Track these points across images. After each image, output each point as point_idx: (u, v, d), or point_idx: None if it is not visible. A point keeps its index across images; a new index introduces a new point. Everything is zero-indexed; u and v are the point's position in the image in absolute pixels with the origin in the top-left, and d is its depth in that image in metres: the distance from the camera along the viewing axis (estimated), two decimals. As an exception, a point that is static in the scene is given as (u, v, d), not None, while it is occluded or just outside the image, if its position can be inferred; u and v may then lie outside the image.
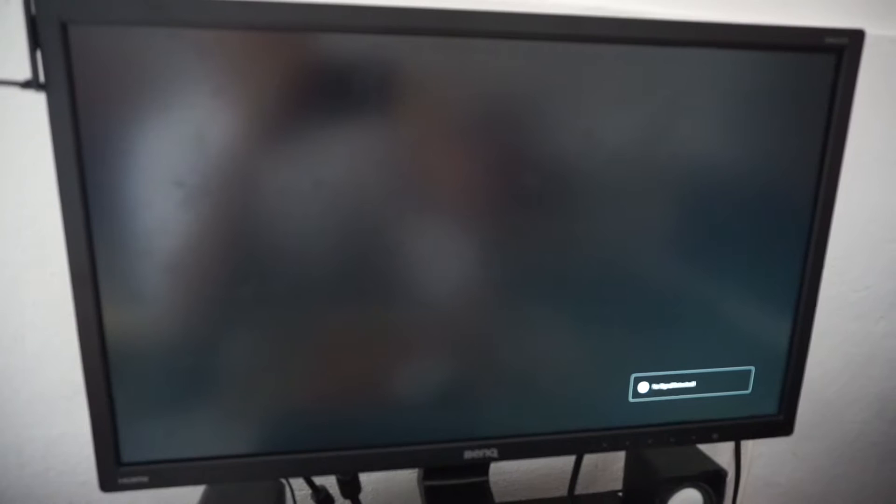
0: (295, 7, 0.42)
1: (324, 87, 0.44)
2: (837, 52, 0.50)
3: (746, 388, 0.58)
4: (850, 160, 0.55)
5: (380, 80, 0.45)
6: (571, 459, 0.74)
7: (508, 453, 0.55)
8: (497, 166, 0.49)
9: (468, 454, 0.54)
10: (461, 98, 0.46)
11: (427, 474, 0.61)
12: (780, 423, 0.59)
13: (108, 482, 0.48)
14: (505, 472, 0.83)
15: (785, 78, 0.50)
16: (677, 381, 0.56)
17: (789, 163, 0.52)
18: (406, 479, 0.79)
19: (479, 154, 0.48)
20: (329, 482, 0.65)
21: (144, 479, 0.49)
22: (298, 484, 0.68)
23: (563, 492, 0.75)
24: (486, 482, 0.62)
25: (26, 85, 0.40)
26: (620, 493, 0.72)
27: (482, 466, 0.62)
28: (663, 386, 0.56)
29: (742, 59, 0.49)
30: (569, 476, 0.73)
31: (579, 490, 0.74)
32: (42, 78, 0.40)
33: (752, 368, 0.57)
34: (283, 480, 0.63)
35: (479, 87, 0.46)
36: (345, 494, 0.63)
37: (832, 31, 0.49)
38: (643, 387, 0.56)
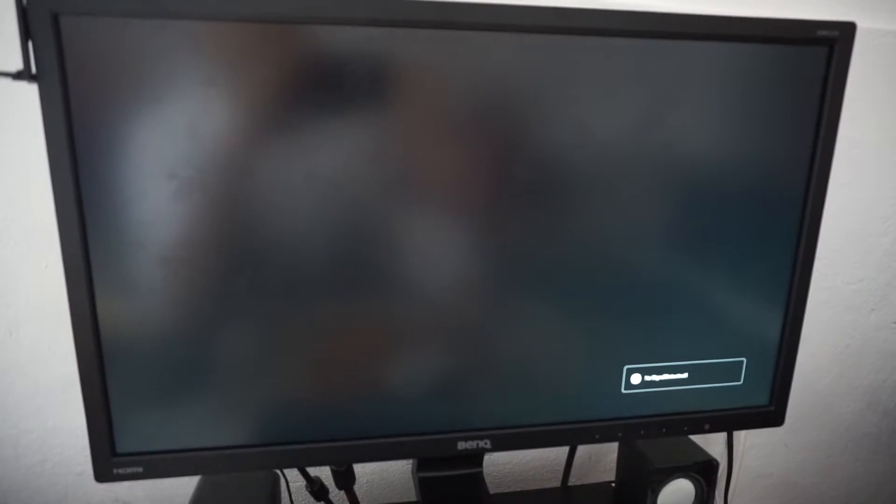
0: (287, -2, 0.42)
1: (317, 79, 0.44)
2: (829, 45, 0.50)
3: (738, 380, 0.58)
4: (842, 153, 0.55)
5: (372, 72, 0.45)
6: (565, 451, 0.74)
7: (502, 444, 0.55)
8: (490, 158, 0.49)
9: (461, 445, 0.54)
10: (454, 90, 0.46)
11: (421, 465, 0.62)
12: (771, 413, 0.59)
13: (103, 473, 0.49)
14: (499, 464, 0.84)
15: (776, 70, 0.50)
16: (669, 372, 0.56)
17: (780, 155, 0.53)
18: (401, 470, 0.80)
19: (472, 146, 0.48)
20: (324, 473, 0.65)
21: (139, 469, 0.49)
22: (293, 475, 0.68)
23: (557, 483, 0.75)
24: (481, 473, 0.63)
25: (18, 76, 0.40)
26: (613, 484, 0.72)
27: (477, 458, 0.63)
28: (656, 377, 0.56)
29: (733, 52, 0.49)
30: (562, 467, 0.74)
31: (573, 481, 0.75)
32: (34, 69, 0.40)
33: (744, 360, 0.58)
34: (278, 471, 0.63)
35: (472, 79, 0.46)
36: (339, 485, 0.64)
37: (823, 24, 0.49)
38: (636, 378, 0.56)
